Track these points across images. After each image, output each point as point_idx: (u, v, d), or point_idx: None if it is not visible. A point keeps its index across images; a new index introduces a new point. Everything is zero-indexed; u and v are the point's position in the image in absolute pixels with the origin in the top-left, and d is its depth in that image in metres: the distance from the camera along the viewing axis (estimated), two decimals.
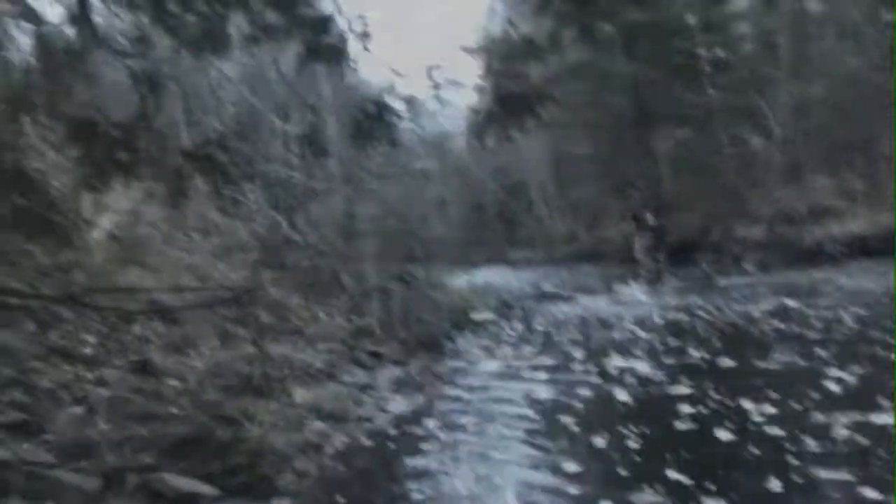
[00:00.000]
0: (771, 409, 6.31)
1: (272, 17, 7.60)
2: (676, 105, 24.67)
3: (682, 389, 7.32)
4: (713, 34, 24.81)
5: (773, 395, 6.67)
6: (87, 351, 6.16)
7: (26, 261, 7.07)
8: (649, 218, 19.54)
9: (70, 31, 7.81)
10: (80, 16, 7.42)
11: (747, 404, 6.48)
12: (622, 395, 7.35)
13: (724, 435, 5.83)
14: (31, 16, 7.78)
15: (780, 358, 8.36)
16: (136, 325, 7.00)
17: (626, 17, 21.81)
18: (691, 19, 24.56)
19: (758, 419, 6.12)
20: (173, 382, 6.18)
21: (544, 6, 7.82)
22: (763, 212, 21.78)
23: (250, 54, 11.42)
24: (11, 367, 5.28)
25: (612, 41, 23.43)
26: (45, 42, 7.73)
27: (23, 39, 8.69)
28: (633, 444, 5.82)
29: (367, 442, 6.45)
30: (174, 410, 5.54)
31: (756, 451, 5.40)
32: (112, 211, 8.62)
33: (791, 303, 12.48)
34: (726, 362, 8.50)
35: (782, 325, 10.54)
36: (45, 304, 6.28)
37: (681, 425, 6.20)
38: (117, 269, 8.01)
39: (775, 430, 5.81)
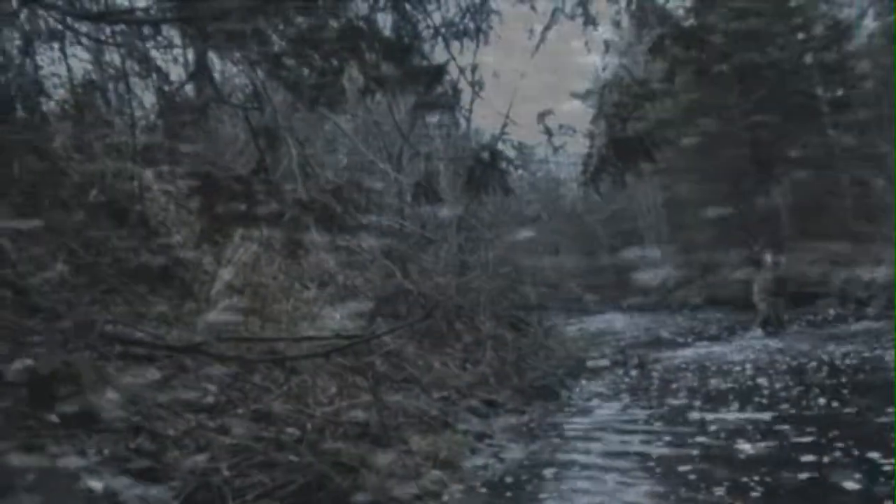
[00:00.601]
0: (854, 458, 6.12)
1: (386, 68, 7.72)
2: (795, 146, 24.12)
3: (806, 438, 7.12)
4: (832, 73, 24.25)
5: (855, 443, 6.46)
6: (210, 400, 6.27)
7: (150, 312, 7.26)
8: (769, 260, 19.11)
9: (191, 88, 8.08)
10: (200, 73, 7.66)
11: (876, 454, 6.27)
12: (742, 444, 7.17)
13: (850, 485, 5.64)
14: (155, 74, 8.06)
15: (873, 407, 8.07)
16: (256, 374, 7.10)
17: (741, 58, 21.53)
18: (809, 59, 24.09)
19: (887, 469, 5.92)
20: (292, 430, 6.24)
21: (658, 48, 7.79)
22: (888, 254, 21.06)
23: (365, 106, 11.60)
24: (139, 416, 5.40)
25: (727, 83, 23.12)
26: (167, 99, 8.00)
27: (146, 97, 9.00)
28: (754, 493, 5.67)
29: (483, 490, 6.40)
30: (294, 458, 5.59)
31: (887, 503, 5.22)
32: (232, 262, 8.81)
33: None
34: (853, 410, 8.23)
35: (878, 374, 10.20)
36: (168, 354, 6.42)
37: (804, 475, 6.02)
38: (237, 319, 8.15)
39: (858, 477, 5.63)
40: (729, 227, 26.91)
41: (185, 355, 6.49)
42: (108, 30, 7.88)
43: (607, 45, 11.24)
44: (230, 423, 5.97)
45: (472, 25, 9.48)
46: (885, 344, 13.17)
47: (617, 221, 36.50)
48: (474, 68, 9.77)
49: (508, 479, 6.68)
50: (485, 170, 8.28)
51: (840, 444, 6.70)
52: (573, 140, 14.33)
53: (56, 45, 7.97)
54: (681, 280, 32.33)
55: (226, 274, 8.62)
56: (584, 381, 12.48)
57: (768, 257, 19.31)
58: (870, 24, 24.38)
